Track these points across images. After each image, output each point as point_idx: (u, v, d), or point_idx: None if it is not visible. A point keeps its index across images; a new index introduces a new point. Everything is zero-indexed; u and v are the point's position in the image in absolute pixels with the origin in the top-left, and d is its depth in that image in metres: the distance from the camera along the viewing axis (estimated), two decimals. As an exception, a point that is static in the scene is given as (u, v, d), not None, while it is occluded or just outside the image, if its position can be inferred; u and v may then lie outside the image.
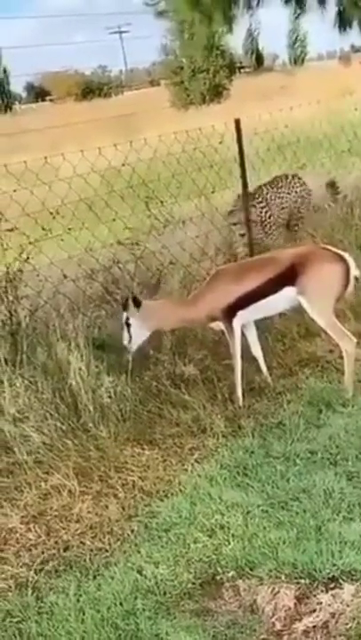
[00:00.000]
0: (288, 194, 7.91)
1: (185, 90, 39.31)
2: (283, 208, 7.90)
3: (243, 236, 7.23)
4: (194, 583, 3.71)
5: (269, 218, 7.69)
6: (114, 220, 7.01)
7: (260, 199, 7.65)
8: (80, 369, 5.32)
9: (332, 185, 9.06)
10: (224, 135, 7.75)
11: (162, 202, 7.72)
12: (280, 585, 3.61)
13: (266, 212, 7.73)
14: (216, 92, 38.96)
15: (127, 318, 5.54)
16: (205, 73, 38.60)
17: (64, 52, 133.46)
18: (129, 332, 5.56)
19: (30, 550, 4.15)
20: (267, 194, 7.78)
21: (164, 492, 4.54)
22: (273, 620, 3.48)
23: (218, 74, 39.19)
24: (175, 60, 39.86)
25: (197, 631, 3.39)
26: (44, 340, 5.80)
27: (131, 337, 5.57)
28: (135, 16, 59.62)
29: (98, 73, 70.54)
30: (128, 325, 5.55)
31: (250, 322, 5.70)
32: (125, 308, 5.54)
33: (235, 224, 7.21)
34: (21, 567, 4.00)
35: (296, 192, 7.99)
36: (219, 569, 3.78)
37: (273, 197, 7.82)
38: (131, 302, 5.51)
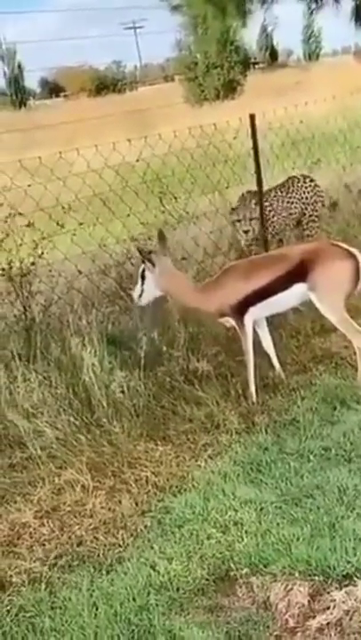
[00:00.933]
0: (298, 199, 7.79)
1: (199, 85, 39.22)
2: (290, 214, 7.77)
3: (246, 232, 7.18)
4: (207, 579, 3.70)
5: (271, 223, 7.55)
6: (128, 215, 7.01)
7: (266, 203, 7.56)
8: (93, 364, 5.33)
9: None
10: (238, 131, 7.73)
11: (176, 197, 7.71)
12: (294, 582, 3.59)
13: (269, 215, 7.62)
14: (230, 88, 38.86)
15: (144, 270, 5.53)
16: (220, 69, 38.49)
17: (78, 48, 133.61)
18: (143, 284, 5.56)
19: (44, 545, 4.15)
20: (274, 197, 7.68)
21: (177, 487, 4.53)
22: (286, 616, 3.46)
23: (232, 69, 39.07)
24: (189, 55, 39.78)
25: (210, 627, 3.38)
26: (57, 335, 5.81)
27: (143, 291, 5.57)
28: (150, 11, 59.63)
29: (112, 68, 70.48)
30: (143, 278, 5.55)
31: (261, 318, 5.68)
32: (145, 259, 5.51)
33: (238, 221, 7.17)
34: (35, 562, 4.00)
35: (306, 196, 7.85)
36: (232, 565, 3.76)
37: (280, 202, 7.70)
38: (152, 256, 5.50)
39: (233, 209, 7.29)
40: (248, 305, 5.48)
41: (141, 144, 6.91)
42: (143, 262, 5.54)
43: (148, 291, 5.58)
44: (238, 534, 3.97)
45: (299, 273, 5.43)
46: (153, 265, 5.48)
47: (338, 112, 11.23)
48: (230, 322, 5.59)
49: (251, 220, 7.13)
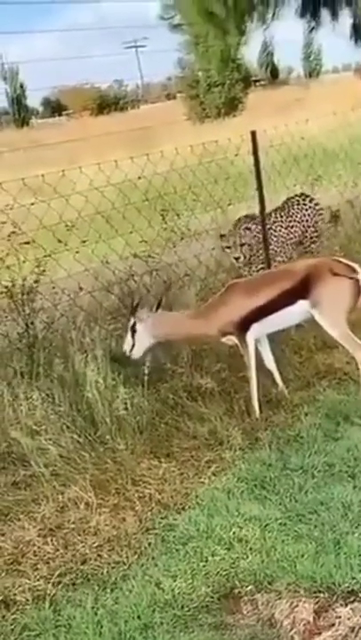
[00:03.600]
0: (298, 221, 7.61)
1: (201, 103, 39.42)
2: (290, 238, 7.56)
3: (237, 259, 7.00)
4: (212, 597, 3.69)
5: (272, 249, 7.35)
6: (130, 232, 7.03)
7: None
8: (97, 381, 5.33)
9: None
10: (240, 148, 7.75)
11: (178, 214, 7.74)
12: (299, 599, 3.58)
13: (270, 240, 7.43)
14: (232, 106, 39.03)
15: (134, 324, 5.54)
16: (221, 86, 38.67)
17: (80, 67, 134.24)
18: (133, 337, 5.56)
19: (48, 563, 4.14)
20: (274, 222, 7.49)
21: (181, 504, 4.52)
22: (292, 633, 3.45)
23: (233, 87, 39.26)
24: (191, 73, 40.00)
25: (215, 645, 3.37)
26: (60, 352, 5.82)
27: (134, 344, 5.57)
28: (151, 30, 59.89)
29: (114, 87, 70.83)
30: (134, 331, 5.56)
31: (263, 335, 5.68)
32: (133, 313, 5.54)
33: (228, 247, 7.01)
34: (39, 580, 3.99)
35: (306, 218, 7.66)
36: (237, 582, 3.75)
37: (280, 227, 7.51)
38: (141, 308, 5.52)
39: (222, 235, 7.15)
40: (251, 322, 5.49)
41: (143, 162, 6.94)
42: (132, 315, 5.57)
43: (139, 343, 5.57)
44: (243, 551, 3.96)
45: (301, 289, 5.44)
46: (142, 318, 5.53)
47: (339, 128, 11.27)
48: (233, 340, 5.58)
49: (241, 245, 6.98)
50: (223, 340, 5.65)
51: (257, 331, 5.54)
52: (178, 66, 42.10)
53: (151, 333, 5.57)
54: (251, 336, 5.51)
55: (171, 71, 61.19)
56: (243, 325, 5.49)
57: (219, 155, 7.85)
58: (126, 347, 5.60)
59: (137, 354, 5.61)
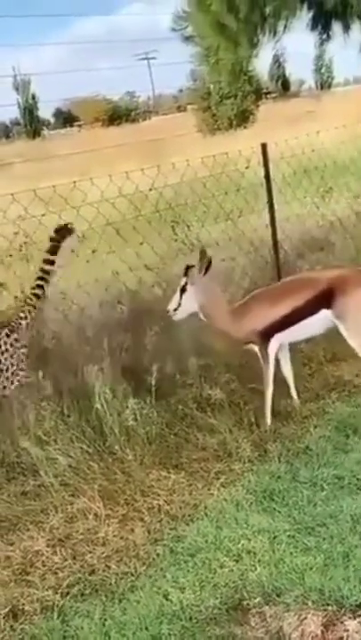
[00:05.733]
0: None
1: (212, 115, 39.55)
2: None
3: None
4: (220, 609, 3.68)
5: None
6: (141, 243, 7.05)
7: None
8: (105, 392, 5.33)
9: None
10: (251, 160, 7.78)
11: (188, 226, 7.76)
12: (307, 611, 3.57)
13: None
14: (243, 118, 39.14)
15: (185, 284, 5.47)
16: (233, 98, 38.81)
17: (92, 79, 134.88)
18: (181, 297, 5.48)
19: (56, 573, 4.14)
20: None
21: (189, 516, 4.52)
22: (300, 647, 3.44)
23: (245, 99, 39.39)
24: (202, 85, 40.15)
25: (223, 657, 3.36)
26: (69, 363, 5.83)
27: (180, 305, 5.50)
28: (162, 42, 60.17)
29: (125, 99, 71.16)
30: (183, 291, 5.48)
31: (285, 345, 5.67)
32: (187, 273, 5.45)
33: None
34: (47, 590, 3.99)
35: None
36: (245, 594, 3.74)
37: None
38: (195, 270, 5.43)
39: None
40: (274, 331, 5.46)
41: (154, 173, 6.97)
42: (185, 275, 5.49)
43: (185, 305, 5.49)
44: (251, 563, 3.96)
45: (325, 299, 5.42)
46: (194, 281, 5.45)
47: (349, 140, 11.28)
48: (254, 349, 5.55)
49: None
50: (246, 347, 5.62)
51: (280, 340, 5.52)
52: (189, 78, 42.29)
53: (197, 299, 5.47)
54: (273, 346, 5.49)
55: (182, 83, 61.43)
56: (265, 335, 5.47)
57: (229, 166, 7.87)
58: (171, 306, 5.55)
59: (179, 316, 5.57)
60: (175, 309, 5.53)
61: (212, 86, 38.95)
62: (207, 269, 5.46)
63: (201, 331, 6.13)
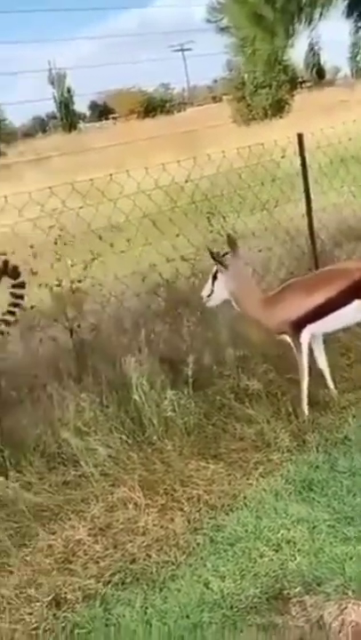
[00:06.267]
0: None
1: (247, 105, 39.37)
2: None
3: None
4: (260, 598, 3.70)
5: None
6: (177, 235, 7.07)
7: None
8: (143, 383, 5.36)
9: None
10: (286, 149, 7.75)
11: (224, 217, 7.76)
12: (347, 601, 3.57)
13: None
14: (278, 107, 38.92)
15: (217, 271, 5.47)
16: (268, 88, 38.60)
17: (127, 71, 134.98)
18: (213, 284, 5.50)
19: (97, 562, 4.18)
20: None
21: (229, 505, 4.54)
22: (340, 636, 3.44)
23: (280, 89, 39.15)
24: (237, 75, 39.97)
25: (264, 646, 3.38)
26: (108, 354, 5.87)
27: (213, 291, 5.52)
28: (197, 34, 59.92)
29: (160, 90, 71.15)
30: (215, 278, 5.49)
31: (318, 335, 5.65)
32: (218, 262, 5.44)
33: None
34: (89, 579, 4.03)
35: None
36: (285, 584, 3.75)
37: None
38: (225, 257, 5.43)
39: None
40: (307, 322, 5.44)
41: (190, 164, 6.98)
42: (217, 261, 5.48)
43: (217, 292, 5.51)
44: (291, 553, 3.97)
45: (358, 289, 5.39)
46: (225, 267, 5.46)
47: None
48: (287, 339, 5.54)
49: None
50: (279, 337, 5.60)
51: (312, 331, 5.50)
52: (225, 68, 42.12)
53: (227, 286, 5.47)
54: (305, 336, 5.47)
55: (217, 74, 61.24)
56: (298, 325, 5.45)
57: (265, 157, 7.86)
58: (204, 292, 5.57)
59: (213, 302, 5.59)
60: (208, 296, 5.55)
61: (246, 76, 38.76)
62: (232, 253, 5.46)
63: (238, 321, 6.14)
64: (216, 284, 5.49)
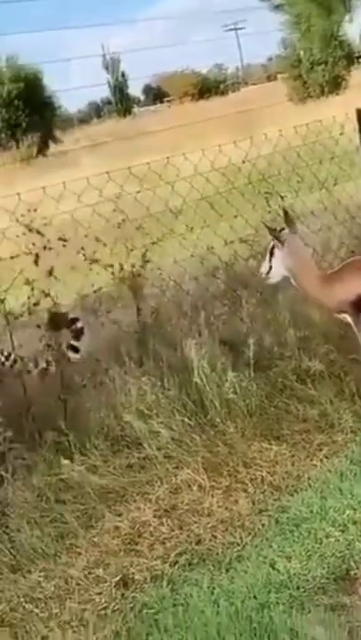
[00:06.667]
0: None
1: (303, 83, 38.86)
2: None
3: None
4: (328, 578, 3.70)
5: None
6: (235, 216, 7.03)
7: None
8: (203, 366, 5.37)
9: None
10: (345, 126, 7.63)
11: (282, 197, 7.68)
12: None
13: None
14: (335, 84, 38.25)
15: (273, 247, 5.38)
16: (324, 65, 38.01)
17: (181, 53, 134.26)
18: (271, 260, 5.40)
19: (164, 543, 4.22)
20: None
21: (293, 487, 4.54)
22: None
23: (336, 65, 38.50)
24: (292, 53, 39.47)
25: (333, 626, 3.37)
26: (168, 337, 5.90)
27: (271, 267, 5.42)
28: (250, 12, 59.39)
29: (214, 71, 70.74)
30: (272, 255, 5.39)
31: None
32: (274, 237, 5.34)
33: None
34: (156, 560, 4.08)
35: None
36: (352, 564, 3.75)
37: None
38: (282, 234, 5.31)
39: None
40: None
41: (247, 145, 6.93)
42: (273, 237, 5.36)
43: (275, 268, 5.38)
44: (358, 533, 3.95)
45: None
46: (282, 243, 5.39)
47: None
48: (347, 318, 5.46)
49: None
50: (339, 317, 5.52)
51: None
52: (279, 46, 41.63)
53: (284, 262, 5.33)
54: None
55: (271, 52, 60.57)
56: (358, 304, 5.36)
57: (323, 134, 7.75)
58: (263, 269, 5.51)
59: (272, 280, 5.48)
60: (267, 273, 5.49)
61: (302, 53, 38.24)
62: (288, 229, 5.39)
63: (298, 302, 6.10)
64: (273, 260, 5.42)
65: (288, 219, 5.39)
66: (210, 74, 68.68)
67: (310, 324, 6.14)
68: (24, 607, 3.89)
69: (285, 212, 5.47)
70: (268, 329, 6.03)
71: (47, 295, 5.43)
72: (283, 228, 5.35)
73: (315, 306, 5.84)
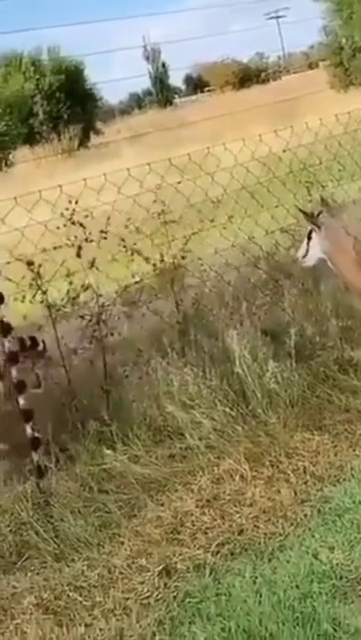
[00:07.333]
0: None
1: (345, 70, 38.39)
2: None
3: None
4: (370, 569, 3.68)
5: None
6: (276, 206, 7.00)
7: None
8: (245, 356, 5.36)
9: None
10: (387, 114, 7.55)
11: (323, 186, 7.62)
12: None
13: None
14: (377, 70, 37.77)
15: (311, 231, 5.41)
16: (366, 51, 37.51)
17: (222, 43, 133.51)
18: (308, 244, 5.45)
19: (206, 533, 4.23)
20: None
21: (335, 477, 4.52)
22: None
23: (378, 51, 37.98)
24: (334, 40, 38.99)
25: (375, 616, 3.36)
26: (209, 328, 5.90)
27: (308, 251, 5.46)
28: (292, 0, 58.79)
29: (255, 60, 70.20)
30: (309, 238, 5.43)
31: None
32: (310, 222, 5.38)
33: None
34: (198, 549, 4.10)
35: None
36: (396, 555, 3.72)
37: None
38: (318, 218, 5.36)
39: None
40: None
41: (288, 134, 6.88)
42: (310, 221, 5.40)
43: (312, 251, 5.44)
44: None
45: None
46: (318, 227, 5.35)
47: None
48: None
49: None
50: None
51: None
52: (321, 34, 41.12)
53: (322, 246, 5.38)
54: None
55: (313, 40, 59.83)
56: None
57: (365, 122, 7.67)
58: (300, 252, 5.55)
59: (309, 262, 5.54)
60: (304, 256, 5.48)
61: (344, 41, 37.76)
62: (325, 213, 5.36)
63: (340, 292, 6.05)
64: (311, 243, 5.42)
65: (324, 202, 5.37)
66: (251, 63, 68.16)
67: (353, 313, 6.08)
68: (68, 595, 3.94)
69: (322, 198, 5.45)
70: (309, 319, 6.00)
71: (86, 288, 5.48)
72: (320, 212, 5.33)
73: (354, 293, 5.79)
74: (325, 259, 5.41)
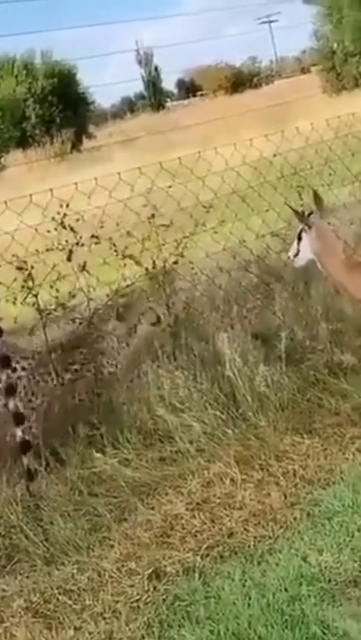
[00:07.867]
0: None
1: (337, 75, 38.54)
2: None
3: None
4: (359, 571, 3.68)
5: None
6: (267, 210, 7.02)
7: None
8: (235, 359, 5.38)
9: None
10: (378, 118, 7.58)
11: (314, 190, 7.64)
12: None
13: None
14: (369, 75, 37.92)
15: (301, 231, 5.41)
16: (358, 56, 37.63)
17: (214, 47, 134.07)
18: (298, 245, 5.44)
19: (196, 536, 4.24)
20: None
21: (325, 480, 4.53)
22: None
23: (370, 56, 38.12)
24: (326, 45, 39.14)
25: (364, 619, 3.37)
26: (200, 331, 5.91)
27: (299, 251, 5.46)
28: (283, 5, 58.98)
29: (248, 64, 70.40)
30: (300, 239, 5.43)
31: None
32: (303, 220, 5.38)
33: None
34: (187, 552, 4.10)
35: None
36: (384, 558, 3.73)
37: None
38: (309, 218, 5.36)
39: None
40: None
41: (278, 138, 6.91)
42: (301, 221, 5.39)
43: (302, 252, 5.43)
44: (390, 527, 3.93)
45: None
46: (309, 227, 5.36)
47: None
48: None
49: None
50: None
51: None
52: (312, 39, 41.28)
53: (312, 246, 5.36)
54: None
55: (305, 44, 59.99)
56: None
57: (356, 126, 7.70)
58: (290, 253, 5.55)
59: (298, 262, 5.54)
60: (295, 256, 5.50)
61: (335, 45, 37.91)
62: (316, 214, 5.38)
63: (330, 295, 6.08)
64: (301, 244, 5.44)
65: (318, 200, 5.39)
66: (244, 67, 68.34)
67: (343, 317, 6.11)
68: (57, 599, 3.94)
69: (315, 194, 5.46)
70: (300, 322, 6.02)
71: (73, 296, 5.51)
72: (310, 213, 5.35)
73: (343, 295, 5.81)
74: (315, 259, 5.43)
